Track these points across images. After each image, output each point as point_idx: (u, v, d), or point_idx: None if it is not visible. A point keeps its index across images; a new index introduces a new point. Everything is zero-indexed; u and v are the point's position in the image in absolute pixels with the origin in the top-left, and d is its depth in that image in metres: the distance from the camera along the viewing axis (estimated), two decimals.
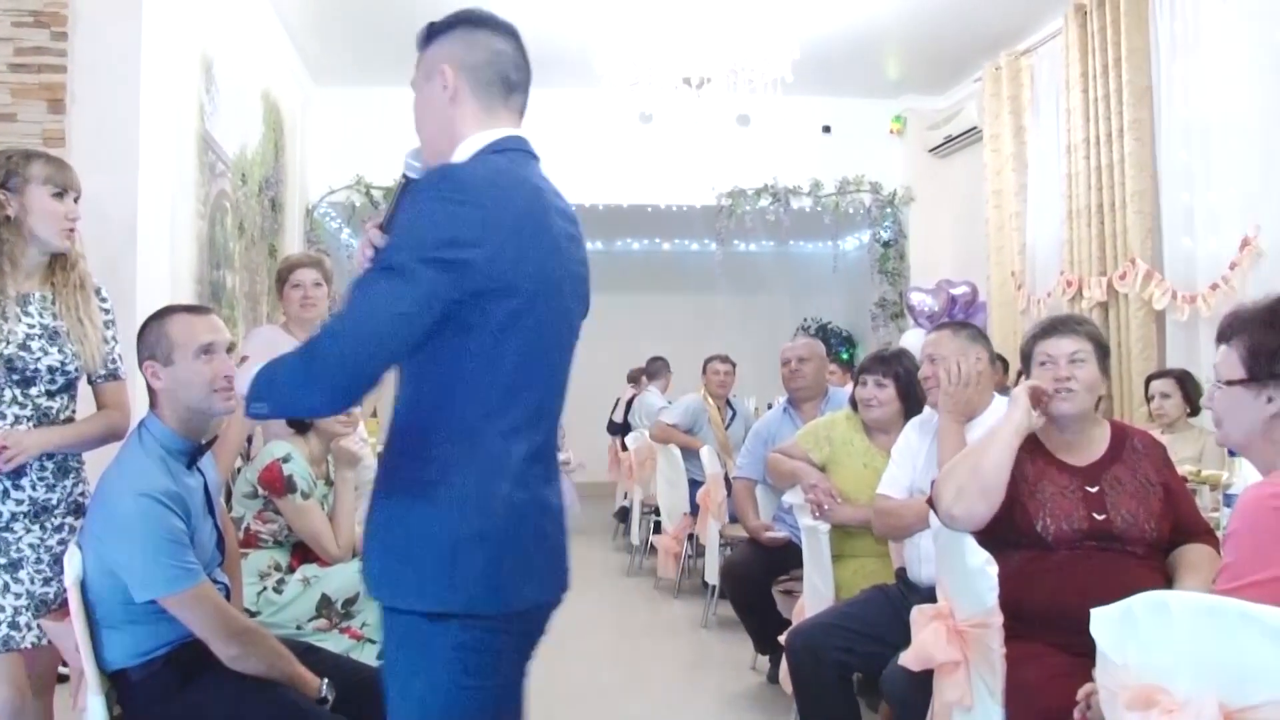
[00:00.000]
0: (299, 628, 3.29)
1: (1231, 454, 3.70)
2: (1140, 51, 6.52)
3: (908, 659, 2.69)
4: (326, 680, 2.62)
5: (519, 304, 1.82)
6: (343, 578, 3.38)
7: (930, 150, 9.74)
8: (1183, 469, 3.61)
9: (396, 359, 1.80)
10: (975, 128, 8.86)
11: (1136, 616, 1.82)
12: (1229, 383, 2.07)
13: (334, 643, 3.24)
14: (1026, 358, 2.92)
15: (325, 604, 3.34)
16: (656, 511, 7.38)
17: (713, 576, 5.95)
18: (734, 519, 5.57)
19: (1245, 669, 1.67)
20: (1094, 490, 2.70)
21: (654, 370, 9.70)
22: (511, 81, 1.98)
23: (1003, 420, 2.75)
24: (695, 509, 6.43)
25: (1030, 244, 7.94)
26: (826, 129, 9.79)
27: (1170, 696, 1.73)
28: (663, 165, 9.42)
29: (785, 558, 4.64)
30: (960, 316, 8.26)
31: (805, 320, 12.48)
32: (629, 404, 10.06)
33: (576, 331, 2.03)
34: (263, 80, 7.36)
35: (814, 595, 3.85)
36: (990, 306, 8.43)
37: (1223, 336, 2.14)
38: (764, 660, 4.94)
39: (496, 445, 1.84)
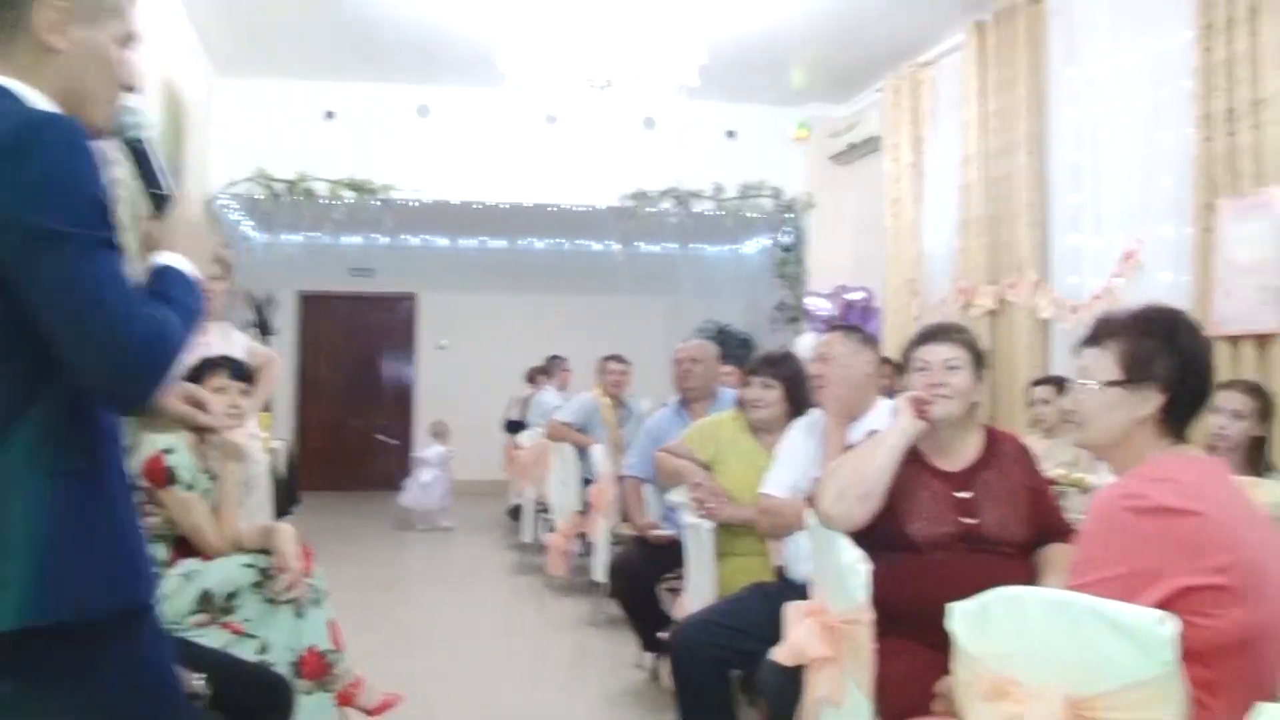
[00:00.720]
0: (178, 622, 3.24)
1: None
2: (1036, 69, 6.67)
3: (781, 654, 2.72)
4: (204, 676, 2.59)
5: None
6: (224, 572, 3.33)
7: (831, 158, 9.84)
8: (1057, 471, 3.73)
9: None
10: (876, 137, 8.98)
11: (992, 611, 1.88)
12: (1109, 384, 2.13)
13: (212, 637, 3.19)
14: (905, 363, 2.98)
15: (206, 599, 3.28)
16: (549, 510, 7.38)
17: (601, 575, 5.98)
18: (626, 517, 5.60)
19: (1092, 660, 1.74)
20: (966, 495, 2.76)
21: (550, 368, 9.68)
22: None
23: (890, 427, 2.80)
24: (588, 507, 6.45)
25: (926, 252, 8.06)
26: (730, 134, 9.86)
27: (1020, 688, 1.80)
28: (567, 166, 9.41)
29: (672, 556, 4.64)
30: (855, 322, 8.37)
31: (705, 322, 12.55)
32: (525, 402, 10.04)
33: None
34: (164, 69, 7.21)
35: (696, 593, 3.89)
36: (884, 313, 8.55)
37: (1094, 340, 2.20)
38: (650, 658, 4.98)
39: None
